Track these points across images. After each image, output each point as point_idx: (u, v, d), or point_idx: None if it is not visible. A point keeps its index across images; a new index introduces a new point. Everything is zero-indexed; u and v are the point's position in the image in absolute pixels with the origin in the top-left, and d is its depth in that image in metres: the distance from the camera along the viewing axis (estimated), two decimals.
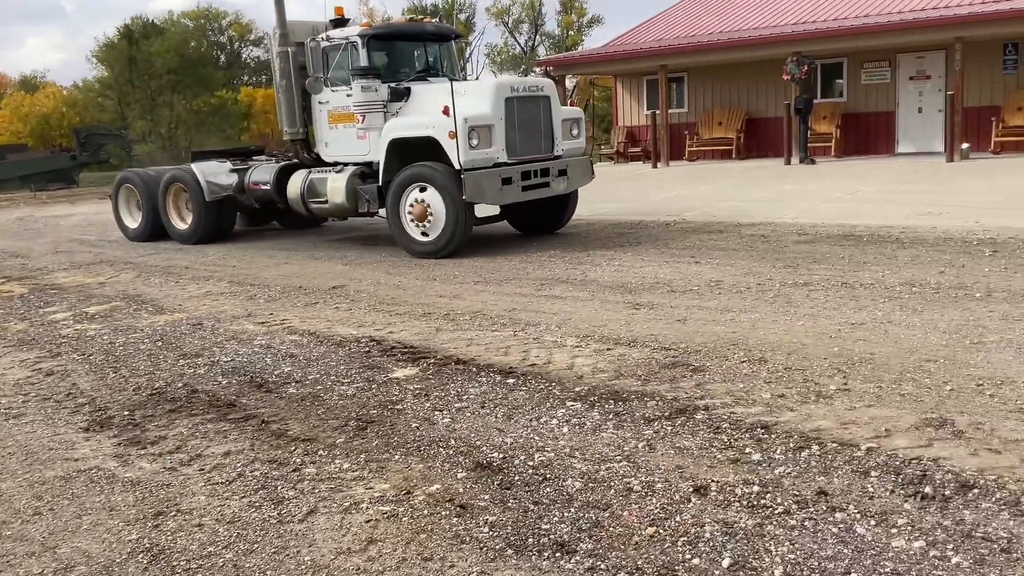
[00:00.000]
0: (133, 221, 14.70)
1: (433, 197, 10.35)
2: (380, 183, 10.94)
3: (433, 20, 12.65)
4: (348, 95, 11.26)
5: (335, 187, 11.39)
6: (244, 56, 70.56)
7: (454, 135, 10.04)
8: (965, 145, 18.53)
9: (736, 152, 22.96)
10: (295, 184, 12.02)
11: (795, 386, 4.99)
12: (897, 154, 21.03)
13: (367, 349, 6.44)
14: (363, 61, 11.15)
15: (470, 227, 10.54)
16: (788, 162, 20.33)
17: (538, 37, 60.05)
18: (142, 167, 17.70)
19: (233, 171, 13.07)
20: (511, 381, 5.45)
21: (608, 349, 6.06)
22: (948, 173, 16.27)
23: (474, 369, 5.75)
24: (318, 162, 12.05)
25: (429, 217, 10.43)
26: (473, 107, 10.21)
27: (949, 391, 4.73)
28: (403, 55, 11.87)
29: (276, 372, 6.01)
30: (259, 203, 13.10)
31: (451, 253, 10.41)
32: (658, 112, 23.14)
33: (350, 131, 11.40)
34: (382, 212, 11.17)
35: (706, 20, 24.73)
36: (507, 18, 59.71)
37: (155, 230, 14.13)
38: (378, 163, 11.00)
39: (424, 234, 10.59)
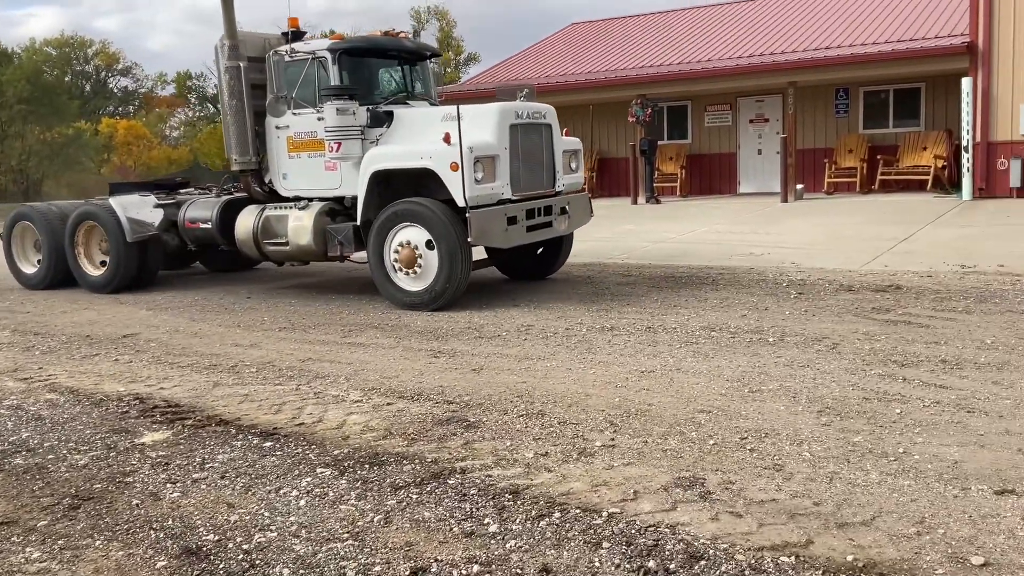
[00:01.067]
0: (31, 266, 12.35)
1: (425, 239, 8.79)
2: (358, 222, 9.29)
3: (408, 35, 10.50)
4: (319, 118, 9.47)
5: (299, 226, 9.61)
6: (111, 86, 67.82)
7: (457, 167, 8.44)
8: (799, 186, 19.26)
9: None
10: (246, 223, 10.12)
11: (562, 442, 4.76)
12: (739, 194, 21.70)
13: (126, 409, 5.87)
14: (333, 79, 9.42)
15: (468, 274, 8.98)
16: (635, 202, 20.66)
17: None
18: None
19: (159, 206, 11.07)
20: (268, 444, 5.02)
21: (389, 404, 5.71)
22: (780, 213, 16.81)
23: (233, 431, 5.29)
24: (272, 196, 10.21)
25: (419, 262, 8.85)
26: (475, 135, 8.67)
27: (712, 445, 4.59)
28: (375, 74, 10.20)
29: (11, 439, 5.37)
30: (196, 244, 11.20)
31: (446, 304, 8.84)
32: None
33: (316, 161, 9.66)
34: (357, 256, 9.68)
35: (559, 63, 25.07)
36: None
37: (60, 276, 11.85)
38: (351, 198, 9.50)
39: (413, 282, 8.97)
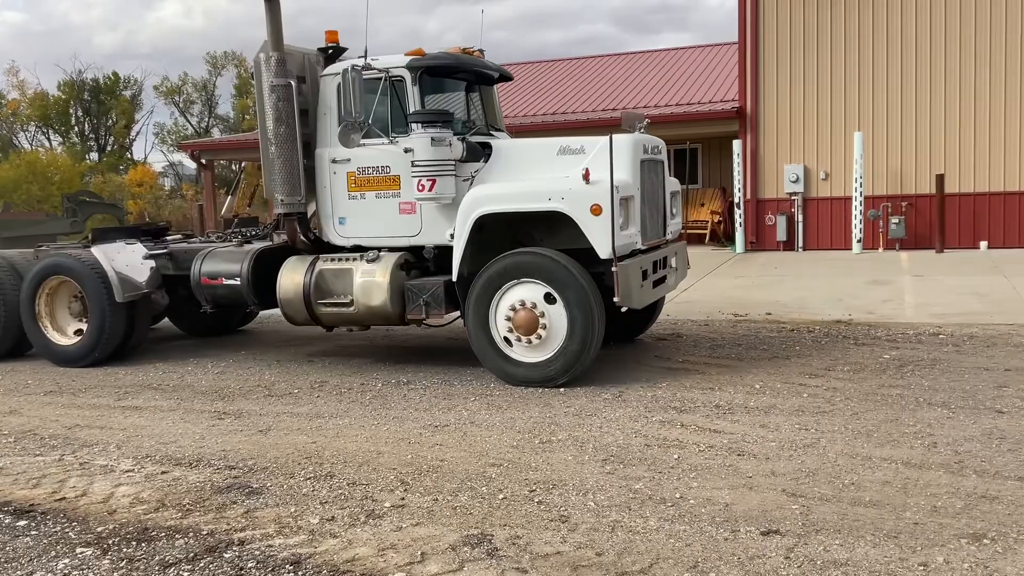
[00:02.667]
0: None
1: (549, 297, 7.06)
2: (453, 277, 7.50)
3: (481, 53, 8.66)
4: (406, 149, 7.52)
5: (370, 283, 7.70)
6: None
7: (600, 210, 6.89)
8: None
9: None
10: (294, 279, 8.05)
11: (351, 505, 4.60)
12: None
13: None
14: (413, 103, 7.72)
15: (600, 340, 7.22)
16: None
17: (212, 119, 57.83)
18: None
19: (150, 257, 9.03)
20: (22, 524, 4.53)
21: (164, 472, 5.32)
22: None
23: None
24: (318, 246, 8.35)
25: (541, 329, 7.11)
26: (607, 172, 6.94)
27: (501, 500, 4.59)
28: (451, 100, 8.38)
29: None
30: (215, 305, 8.86)
31: (573, 380, 7.10)
32: None
33: (387, 202, 7.87)
34: (438, 319, 7.96)
35: None
36: (178, 98, 56.96)
37: (12, 345, 9.47)
38: (432, 248, 7.84)
39: (531, 352, 7.17)
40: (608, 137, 7.05)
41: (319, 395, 7.26)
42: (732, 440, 5.47)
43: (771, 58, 17.71)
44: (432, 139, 7.35)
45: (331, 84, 7.99)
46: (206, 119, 58.02)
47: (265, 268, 8.39)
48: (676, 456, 5.19)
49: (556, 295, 7.01)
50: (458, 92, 8.39)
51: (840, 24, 17.06)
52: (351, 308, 7.81)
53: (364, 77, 7.51)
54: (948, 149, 16.39)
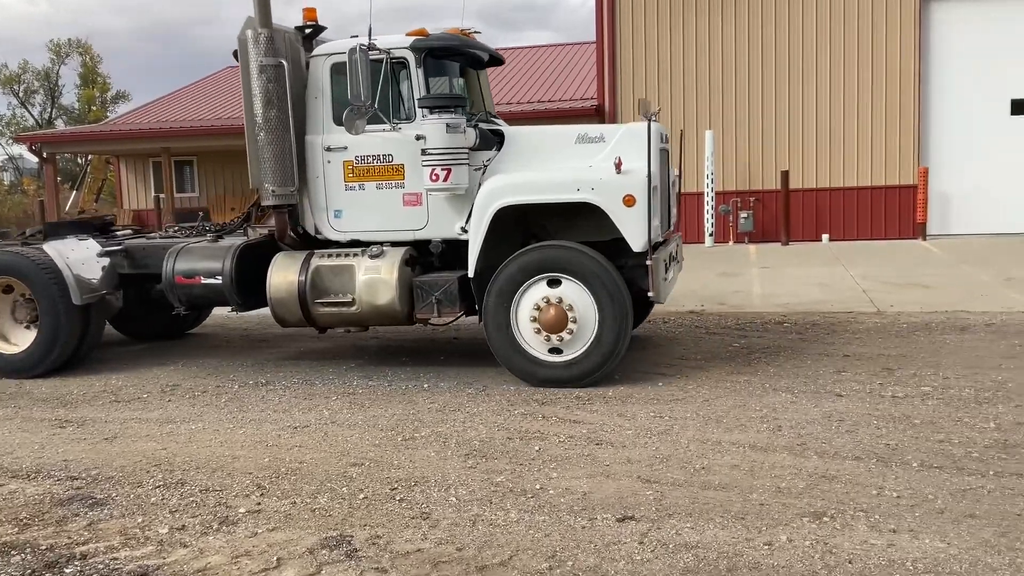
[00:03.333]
0: None
1: (578, 295, 6.72)
2: (470, 273, 7.02)
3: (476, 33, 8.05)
4: (417, 136, 6.97)
5: (375, 280, 7.13)
6: None
7: (633, 201, 6.63)
8: None
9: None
10: (286, 277, 7.37)
11: (203, 512, 4.43)
12: None
13: None
14: (418, 87, 7.18)
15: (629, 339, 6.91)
16: None
17: (55, 110, 54.33)
18: None
19: (105, 254, 8.11)
20: None
21: (0, 485, 4.97)
22: None
23: None
24: (307, 242, 7.67)
25: (571, 325, 6.73)
26: (636, 162, 6.73)
27: (362, 500, 4.52)
28: (451, 84, 7.79)
29: None
30: (190, 306, 8.16)
31: (600, 379, 6.78)
32: (163, 196, 21.84)
33: (389, 193, 7.31)
34: (445, 318, 7.37)
35: (216, 103, 24.13)
36: (17, 87, 53.23)
37: None
38: (439, 243, 7.32)
39: (556, 351, 6.80)
40: (629, 126, 7.07)
41: (171, 399, 6.96)
42: (591, 430, 5.58)
43: (627, 58, 18.19)
44: (448, 125, 6.85)
45: (323, 65, 7.46)
46: (48, 110, 54.62)
47: (248, 266, 7.70)
48: (537, 448, 5.25)
49: (587, 291, 6.70)
50: (456, 76, 7.86)
51: (692, 26, 17.70)
52: (353, 308, 7.24)
53: (370, 59, 6.88)
54: (792, 147, 17.28)
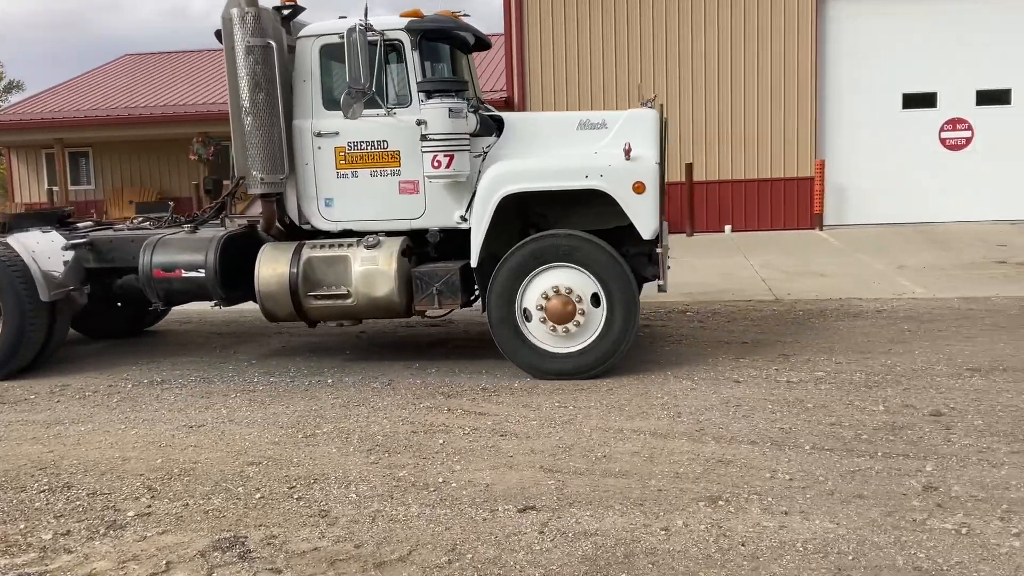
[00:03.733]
0: None
1: (586, 284, 6.61)
2: (473, 262, 6.83)
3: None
4: (391, 121, 6.91)
5: (373, 272, 6.87)
6: None
7: (643, 188, 6.55)
8: None
9: None
10: (276, 269, 7.03)
11: (89, 517, 4.25)
12: None
13: None
14: (414, 71, 6.94)
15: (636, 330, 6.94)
16: None
17: None
18: None
19: (70, 247, 7.59)
20: None
21: None
22: None
23: None
24: (292, 232, 7.31)
25: (579, 316, 6.62)
26: (643, 147, 6.74)
27: (258, 499, 4.41)
28: (445, 68, 7.55)
29: None
30: (168, 301, 7.68)
31: (605, 371, 6.68)
32: (56, 189, 20.94)
33: (384, 181, 7.04)
34: (435, 310, 7.18)
35: (112, 95, 23.24)
36: None
37: None
38: (436, 232, 7.06)
39: (563, 341, 6.67)
40: (631, 112, 7.01)
41: (59, 400, 6.66)
42: (496, 421, 5.57)
43: (536, 50, 18.24)
44: (450, 110, 6.64)
45: (312, 47, 7.13)
46: None
47: (231, 258, 7.35)
48: (441, 441, 5.21)
49: (595, 280, 6.60)
50: (448, 60, 7.62)
51: (599, 20, 17.86)
52: (349, 300, 6.95)
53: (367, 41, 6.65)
54: (696, 140, 17.61)
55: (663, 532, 3.81)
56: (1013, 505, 3.96)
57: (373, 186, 7.09)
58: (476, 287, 7.04)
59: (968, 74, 16.88)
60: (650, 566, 3.50)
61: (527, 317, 6.68)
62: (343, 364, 7.45)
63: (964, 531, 3.71)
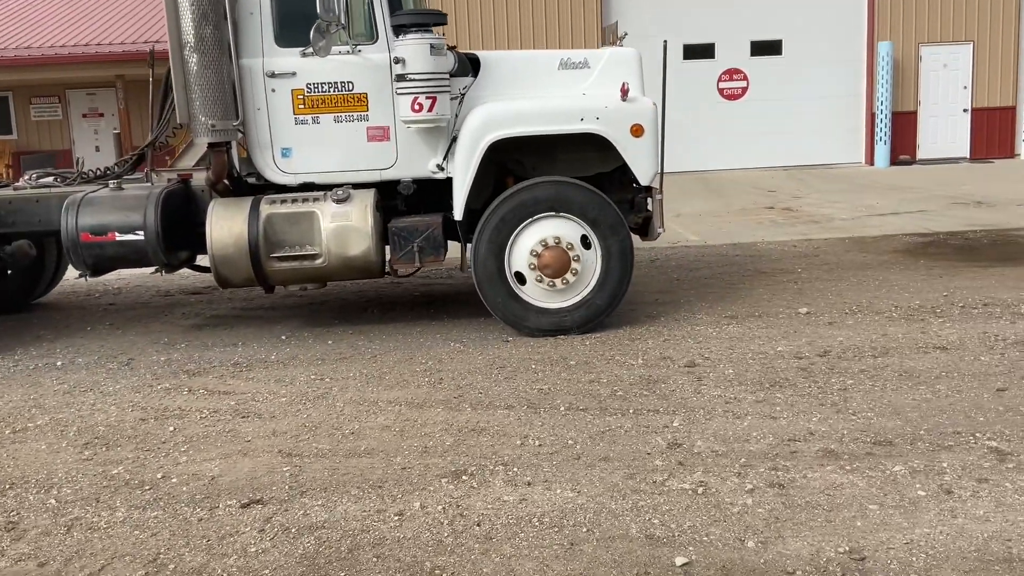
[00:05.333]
0: None
1: (579, 234, 6.17)
2: (457, 215, 6.24)
3: None
4: (356, 60, 6.18)
5: (346, 228, 6.12)
6: None
7: (642, 131, 6.17)
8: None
9: None
10: (232, 228, 6.12)
11: None
12: None
13: None
14: (382, 3, 6.16)
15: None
16: None
17: None
18: None
19: None
20: None
21: None
22: None
23: None
24: (239, 187, 6.46)
25: (575, 266, 6.14)
26: (634, 88, 6.39)
27: None
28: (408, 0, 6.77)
29: None
30: (97, 269, 6.51)
31: (599, 325, 6.27)
32: None
33: (350, 127, 6.28)
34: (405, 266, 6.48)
35: (39, 25, 20.32)
36: None
37: None
38: (410, 183, 6.35)
39: (555, 296, 6.21)
40: (613, 50, 6.64)
41: None
42: (240, 401, 5.11)
43: None
44: (432, 47, 5.98)
45: None
46: None
47: (180, 217, 6.45)
48: (172, 428, 4.70)
49: (589, 230, 6.20)
50: None
51: None
52: (319, 261, 6.18)
53: None
54: None
55: (397, 518, 3.54)
56: (751, 459, 3.97)
57: (337, 133, 6.37)
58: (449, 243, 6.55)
59: (743, 26, 17.60)
60: (374, 560, 3.22)
61: (519, 273, 6.25)
62: (81, 343, 6.69)
63: (701, 491, 3.67)
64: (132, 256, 6.44)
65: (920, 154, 17.90)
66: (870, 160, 17.82)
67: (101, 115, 20.16)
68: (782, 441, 4.16)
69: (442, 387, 5.22)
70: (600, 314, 6.30)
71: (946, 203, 12.01)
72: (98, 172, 7.18)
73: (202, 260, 6.63)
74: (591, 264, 6.28)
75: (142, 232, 6.29)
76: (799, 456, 3.98)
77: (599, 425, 4.48)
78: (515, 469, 3.97)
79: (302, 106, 6.33)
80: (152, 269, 6.68)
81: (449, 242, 6.59)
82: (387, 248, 6.39)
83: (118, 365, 6.00)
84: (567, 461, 4.04)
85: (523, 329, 6.31)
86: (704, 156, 17.40)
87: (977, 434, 4.13)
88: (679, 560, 3.12)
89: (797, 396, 4.76)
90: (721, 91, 17.75)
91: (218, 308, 7.73)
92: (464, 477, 3.91)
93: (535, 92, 6.53)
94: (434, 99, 6.07)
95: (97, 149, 20.18)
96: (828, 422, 4.37)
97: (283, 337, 6.54)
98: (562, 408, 4.75)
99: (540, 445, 4.25)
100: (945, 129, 17.88)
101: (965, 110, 17.87)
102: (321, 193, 6.30)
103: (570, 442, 4.27)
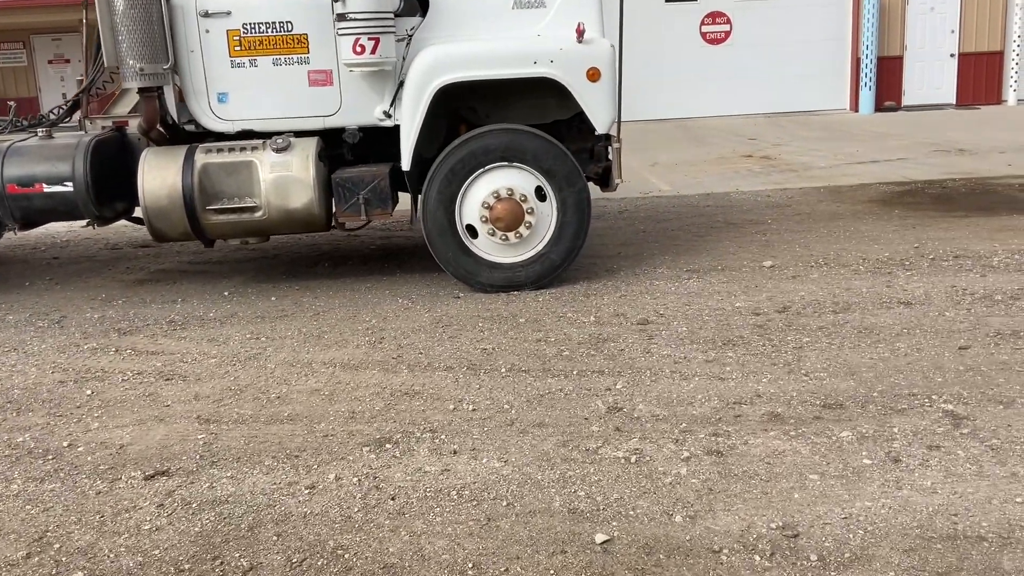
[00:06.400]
0: None
1: (533, 185, 5.88)
2: (405, 165, 5.89)
3: None
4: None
5: (287, 179, 5.83)
6: None
7: (598, 75, 5.81)
8: None
9: None
10: (164, 178, 5.82)
11: None
12: None
13: None
14: None
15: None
16: None
17: None
18: None
19: None
20: None
21: None
22: None
23: None
24: (175, 136, 6.08)
25: (529, 218, 5.87)
26: (592, 28, 5.98)
27: None
28: None
29: None
30: (27, 222, 6.32)
31: (554, 280, 6.04)
32: None
33: (290, 71, 5.93)
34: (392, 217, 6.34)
35: None
36: None
37: None
38: (355, 131, 6.01)
39: (509, 250, 5.95)
40: None
41: None
42: (168, 362, 4.86)
43: None
44: None
45: None
46: None
47: (103, 167, 6.11)
48: (90, 392, 4.46)
49: (544, 180, 5.90)
50: None
51: None
52: (258, 214, 5.88)
53: None
54: None
55: (308, 491, 3.32)
56: (692, 424, 3.75)
57: (277, 77, 6.00)
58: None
59: None
60: (274, 539, 3.00)
61: (470, 226, 5.94)
62: (15, 298, 6.41)
63: (634, 459, 3.45)
64: (61, 208, 6.11)
65: (905, 100, 17.53)
66: (855, 106, 17.45)
67: (68, 61, 19.63)
68: (727, 404, 3.95)
69: (382, 347, 4.97)
70: (555, 269, 6.01)
71: (928, 150, 11.72)
72: (31, 120, 6.82)
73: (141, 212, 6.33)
74: (546, 217, 5.96)
75: (71, 183, 5.98)
76: (743, 420, 3.76)
77: (539, 388, 4.25)
78: (443, 436, 3.75)
79: (238, 48, 5.95)
80: (84, 222, 6.37)
81: (402, 194, 6.33)
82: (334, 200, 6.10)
83: (48, 323, 5.73)
84: (499, 428, 3.82)
85: (475, 285, 6.03)
86: (686, 103, 17.01)
87: (933, 396, 3.91)
88: (599, 537, 2.91)
89: (749, 355, 4.53)
90: (704, 35, 17.28)
91: (164, 262, 7.43)
92: (388, 445, 3.68)
93: (487, 34, 6.12)
94: (377, 40, 5.68)
95: (64, 96, 19.62)
96: (778, 383, 4.15)
97: (226, 293, 6.28)
98: (503, 369, 4.52)
99: (474, 410, 4.02)
100: (931, 74, 17.49)
101: (952, 55, 17.47)
102: (260, 141, 5.94)
103: (506, 406, 4.05)
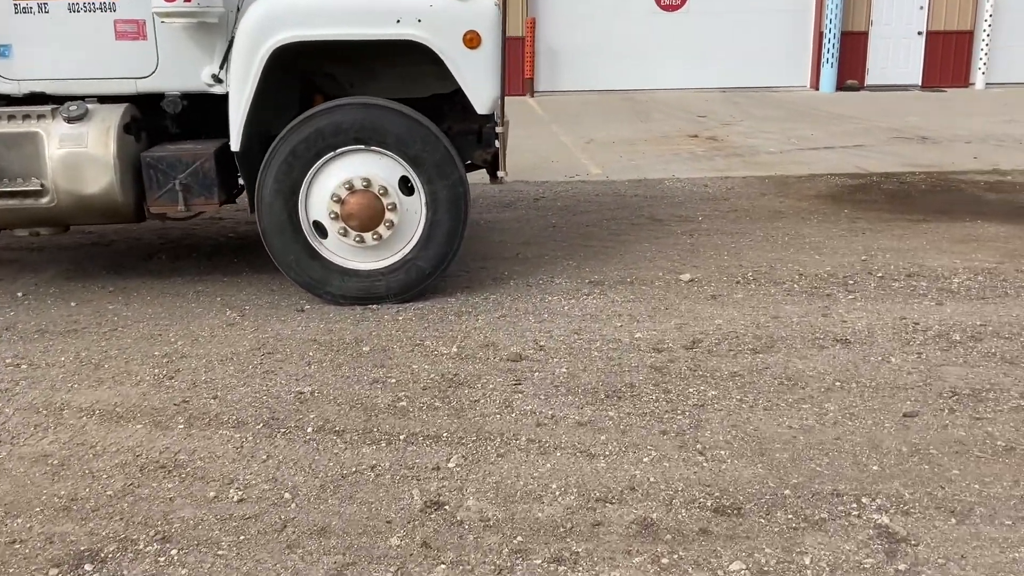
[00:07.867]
0: None
1: (396, 174, 4.72)
2: (235, 145, 4.66)
3: None
4: None
5: (80, 156, 4.62)
6: None
7: (477, 41, 4.64)
8: None
9: None
10: None
11: None
12: None
13: None
14: None
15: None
16: None
17: None
18: None
19: None
20: None
21: None
22: None
23: None
24: None
25: (390, 216, 4.68)
26: None
27: None
28: None
29: None
30: None
31: (423, 291, 4.89)
32: None
33: (92, 20, 4.72)
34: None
35: None
36: None
37: None
38: (178, 98, 4.84)
39: (367, 254, 4.78)
40: None
41: None
42: None
43: None
44: None
45: None
46: None
47: None
48: None
49: (409, 169, 4.71)
50: None
51: None
52: (44, 199, 4.69)
53: None
54: None
55: None
56: (531, 537, 2.68)
57: (74, 26, 4.81)
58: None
59: None
60: None
61: (318, 223, 4.78)
62: None
63: None
64: None
65: (869, 79, 16.54)
66: (815, 84, 16.42)
67: None
68: (588, 502, 2.88)
69: (171, 385, 3.84)
70: (424, 279, 4.87)
71: (888, 137, 10.73)
72: None
73: None
74: (413, 215, 4.80)
75: None
76: (601, 535, 2.70)
77: (346, 462, 3.15)
78: (173, 552, 2.64)
79: None
80: None
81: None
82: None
83: None
84: (261, 536, 2.72)
85: (324, 296, 4.87)
86: (635, 74, 15.88)
87: (864, 499, 2.88)
88: None
89: (635, 416, 3.47)
90: (658, 1, 16.09)
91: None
92: (87, 567, 2.57)
93: None
94: None
95: None
96: (662, 467, 3.09)
97: (19, 294, 5.08)
98: (310, 428, 3.41)
99: (240, 501, 2.91)
100: (897, 53, 16.49)
101: (920, 32, 16.47)
102: (50, 108, 4.72)
103: (287, 496, 2.94)
